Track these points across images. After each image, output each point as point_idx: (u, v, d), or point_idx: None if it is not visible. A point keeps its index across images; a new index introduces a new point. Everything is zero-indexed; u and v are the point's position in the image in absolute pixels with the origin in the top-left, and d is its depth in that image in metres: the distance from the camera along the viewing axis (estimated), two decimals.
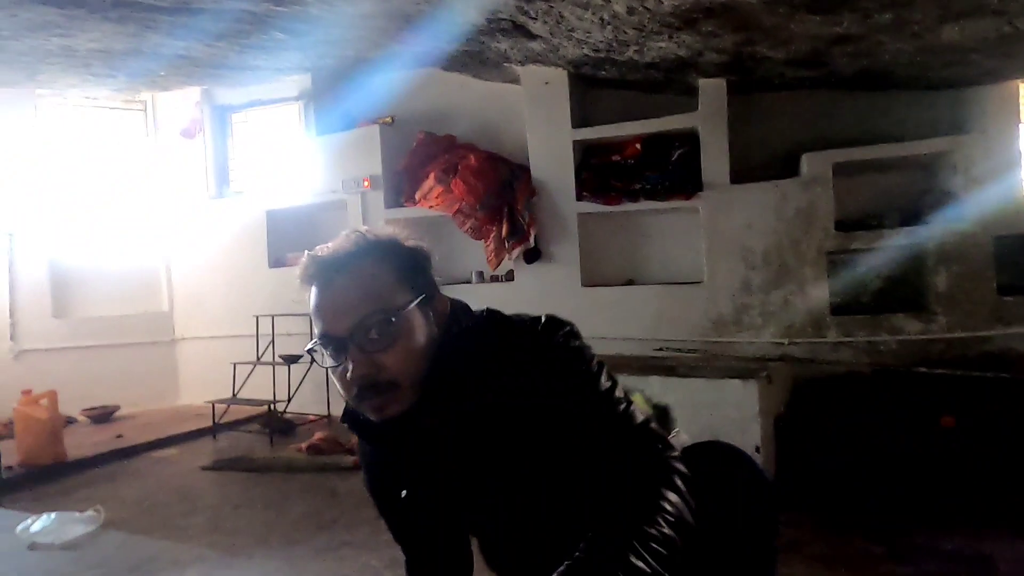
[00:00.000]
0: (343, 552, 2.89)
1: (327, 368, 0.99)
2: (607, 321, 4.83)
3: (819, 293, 4.41)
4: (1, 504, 3.80)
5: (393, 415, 0.97)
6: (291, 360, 5.27)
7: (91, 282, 6.41)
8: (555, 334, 1.01)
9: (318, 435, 4.47)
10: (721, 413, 3.28)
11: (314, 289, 0.99)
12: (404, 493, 1.12)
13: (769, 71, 4.20)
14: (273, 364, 5.32)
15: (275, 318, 5.62)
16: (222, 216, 6.35)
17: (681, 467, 0.96)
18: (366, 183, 5.54)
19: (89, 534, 3.24)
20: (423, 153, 5.49)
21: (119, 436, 5.14)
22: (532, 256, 5.05)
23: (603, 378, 1.00)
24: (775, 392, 3.66)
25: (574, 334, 1.03)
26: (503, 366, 0.99)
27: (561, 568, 0.85)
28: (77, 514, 3.34)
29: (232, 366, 5.48)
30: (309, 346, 1.00)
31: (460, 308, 1.08)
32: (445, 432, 1.02)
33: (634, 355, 4.68)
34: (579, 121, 4.99)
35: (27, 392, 4.38)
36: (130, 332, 6.44)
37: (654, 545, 0.85)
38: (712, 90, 4.53)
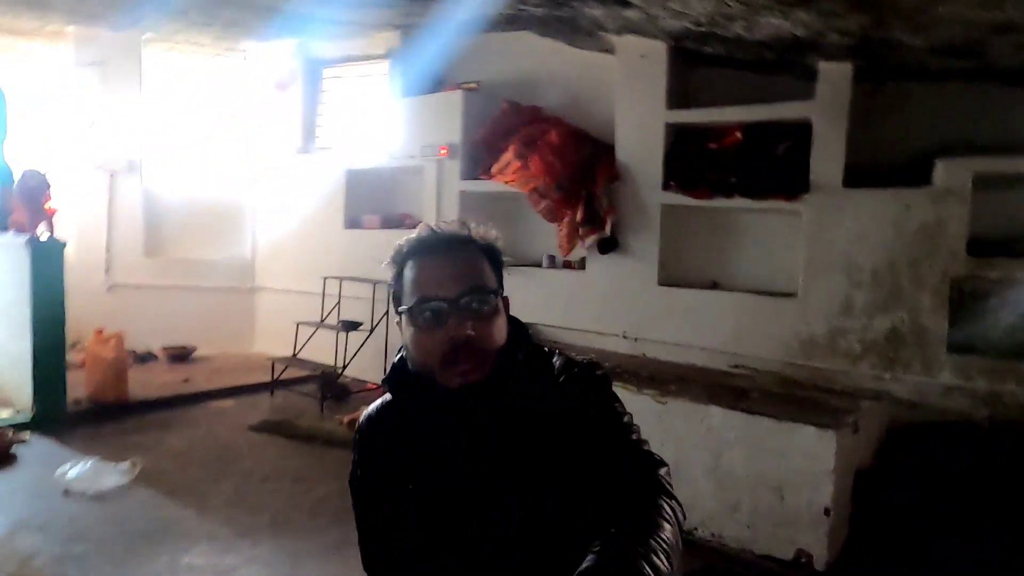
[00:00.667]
0: (349, 553, 2.74)
1: (421, 329, 1.04)
2: (681, 326, 4.39)
3: (936, 325, 3.75)
4: (61, 438, 3.97)
5: (477, 380, 1.02)
6: (350, 327, 5.20)
7: (182, 224, 6.63)
8: (601, 367, 1.14)
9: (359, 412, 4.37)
10: (788, 463, 2.83)
11: (423, 257, 1.06)
12: (414, 479, 1.09)
13: (907, 58, 3.51)
14: (337, 329, 5.26)
15: (343, 281, 5.56)
16: (305, 171, 6.35)
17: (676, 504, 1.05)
18: (442, 151, 5.29)
19: (120, 487, 3.29)
20: (505, 124, 5.16)
21: (186, 380, 5.31)
22: (607, 246, 4.64)
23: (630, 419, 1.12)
24: (861, 441, 3.15)
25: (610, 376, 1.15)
26: (558, 377, 1.11)
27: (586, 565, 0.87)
28: (113, 465, 3.40)
29: (295, 325, 5.50)
30: (406, 306, 1.05)
31: (517, 322, 1.15)
32: (491, 420, 1.05)
33: (705, 367, 4.23)
34: (675, 101, 4.47)
35: (99, 331, 4.55)
36: (214, 276, 6.63)
37: (662, 557, 0.90)
38: (834, 75, 3.88)
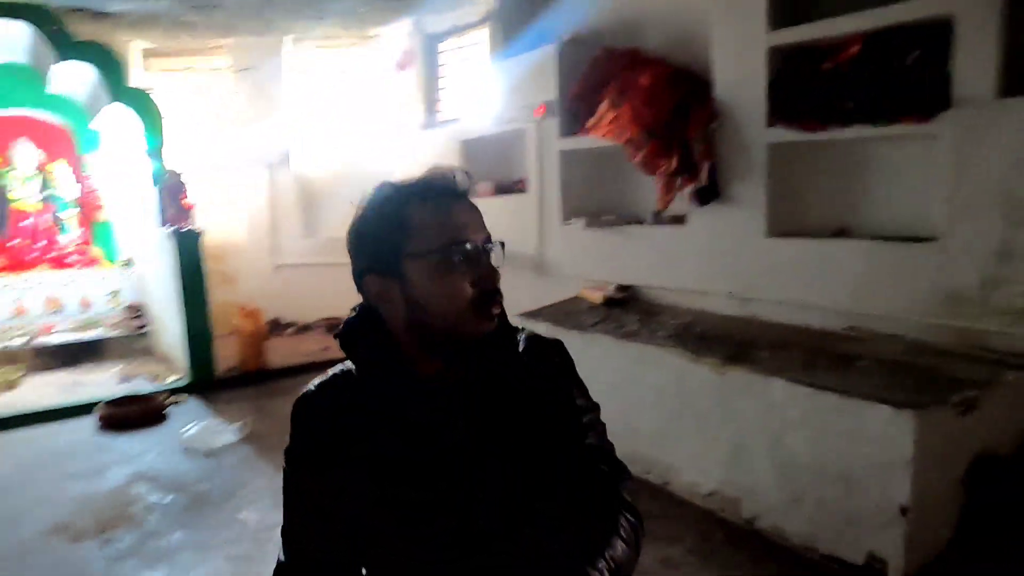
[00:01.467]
0: None
1: (452, 271, 0.98)
2: (795, 282, 3.79)
3: None
4: (209, 401, 4.63)
5: (496, 327, 1.03)
6: None
7: (333, 206, 7.26)
8: (564, 350, 1.18)
9: None
10: (857, 449, 2.33)
11: (445, 200, 1.01)
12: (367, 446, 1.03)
13: None
14: None
15: None
16: (429, 145, 6.55)
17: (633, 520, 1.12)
18: (539, 111, 5.10)
19: (229, 445, 3.74)
20: (601, 73, 4.81)
21: (325, 349, 5.87)
22: (705, 196, 4.14)
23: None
24: (983, 423, 2.48)
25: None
26: (542, 353, 1.12)
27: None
28: (227, 424, 3.88)
29: None
30: (430, 248, 0.98)
31: None
32: (470, 385, 1.04)
33: (822, 329, 3.61)
34: (778, 20, 3.80)
35: (242, 307, 5.19)
36: None
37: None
38: None
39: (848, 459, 2.36)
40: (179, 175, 4.98)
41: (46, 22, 4.80)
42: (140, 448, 3.81)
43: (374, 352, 1.04)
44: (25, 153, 6.05)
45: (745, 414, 2.75)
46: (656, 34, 4.71)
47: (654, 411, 3.22)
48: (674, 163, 4.20)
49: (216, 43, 6.66)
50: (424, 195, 1.02)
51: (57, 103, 5.99)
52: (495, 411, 1.04)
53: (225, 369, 5.02)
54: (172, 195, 4.84)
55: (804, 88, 3.72)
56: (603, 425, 1.17)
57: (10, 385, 4.97)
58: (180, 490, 3.21)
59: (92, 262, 6.25)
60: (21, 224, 5.97)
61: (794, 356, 3.08)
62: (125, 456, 3.66)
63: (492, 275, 1.01)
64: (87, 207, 6.40)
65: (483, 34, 5.87)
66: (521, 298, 5.28)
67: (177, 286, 4.79)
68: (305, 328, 6.78)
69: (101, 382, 5.14)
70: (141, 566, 2.61)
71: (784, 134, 3.79)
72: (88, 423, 4.27)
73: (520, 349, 1.11)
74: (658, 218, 4.64)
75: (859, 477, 2.32)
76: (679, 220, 4.49)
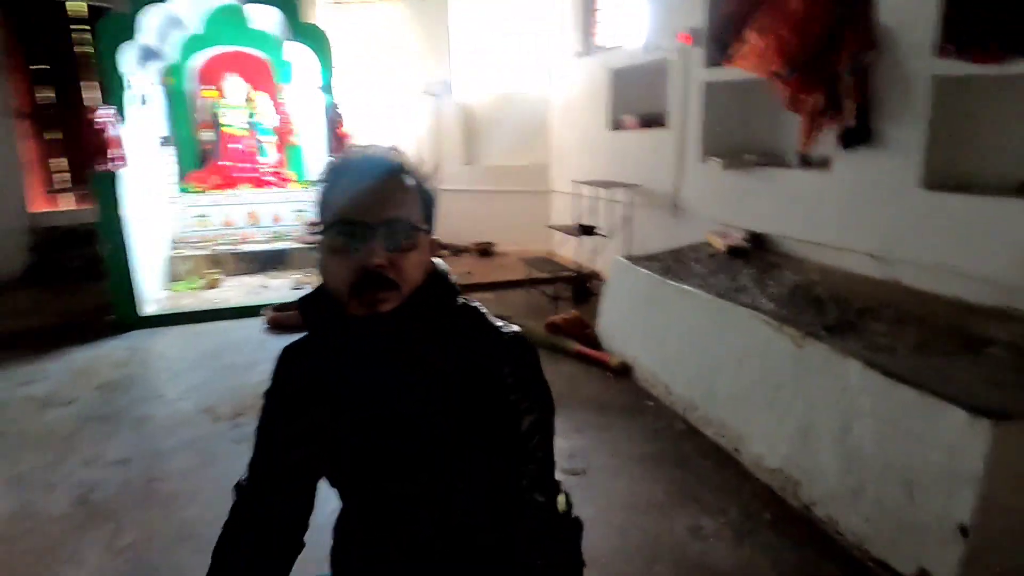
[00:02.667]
0: None
1: (334, 251, 1.02)
2: (949, 244, 3.23)
3: None
4: None
5: (383, 311, 1.01)
6: (586, 231, 5.29)
7: (492, 134, 7.47)
8: (518, 342, 1.12)
9: (563, 315, 4.52)
10: (924, 452, 2.05)
11: (348, 180, 1.04)
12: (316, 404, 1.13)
13: None
14: (575, 233, 5.42)
15: (599, 186, 5.61)
16: (583, 74, 6.38)
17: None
18: (684, 38, 4.71)
19: None
20: None
21: (468, 273, 6.22)
22: (853, 138, 3.61)
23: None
24: None
25: (531, 352, 1.13)
26: (479, 331, 1.11)
27: None
28: None
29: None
30: (322, 225, 1.04)
31: (444, 270, 1.14)
32: (397, 358, 1.07)
33: (979, 304, 3.06)
34: None
35: None
36: (518, 180, 7.37)
37: None
38: None
39: (914, 461, 2.07)
40: (337, 107, 5.46)
41: None
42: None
43: (319, 316, 1.08)
44: (234, 85, 6.99)
45: (818, 393, 2.50)
46: None
47: (734, 376, 3.04)
48: (820, 99, 3.70)
49: None
50: (340, 172, 1.05)
51: (259, 38, 6.76)
52: (432, 384, 1.06)
53: None
54: (331, 125, 5.33)
55: (987, 10, 3.02)
56: (548, 432, 1.12)
57: (212, 284, 6.01)
58: None
59: (285, 182, 7.15)
60: (230, 147, 6.99)
61: (913, 333, 2.70)
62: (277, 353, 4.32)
63: (370, 259, 0.98)
64: (282, 133, 7.28)
65: None
66: (653, 239, 5.11)
67: None
68: (460, 251, 7.21)
69: (280, 286, 6.01)
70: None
71: (956, 66, 3.14)
72: (260, 323, 5.06)
73: (479, 330, 1.10)
74: (802, 161, 4.15)
75: (923, 483, 2.04)
76: (824, 164, 3.97)
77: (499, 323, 1.14)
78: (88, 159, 4.91)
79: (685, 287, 3.54)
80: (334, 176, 1.06)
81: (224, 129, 6.95)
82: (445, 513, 1.13)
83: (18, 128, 6.87)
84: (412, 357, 1.07)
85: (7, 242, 6.70)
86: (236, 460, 1.65)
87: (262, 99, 7.13)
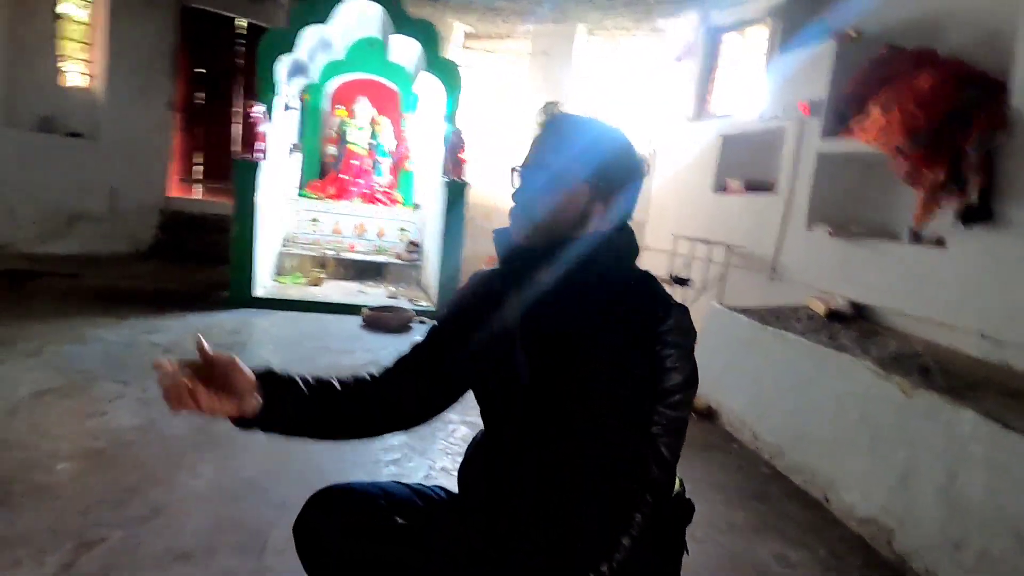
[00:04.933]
0: None
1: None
2: None
3: None
4: None
5: (516, 241, 1.21)
6: (679, 282, 5.37)
7: None
8: (686, 315, 1.21)
9: None
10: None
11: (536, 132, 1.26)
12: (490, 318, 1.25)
13: None
14: (669, 282, 5.51)
15: (695, 242, 5.71)
16: (694, 138, 6.59)
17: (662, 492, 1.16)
18: (804, 108, 4.85)
19: None
20: (880, 73, 4.41)
21: None
22: (974, 216, 3.61)
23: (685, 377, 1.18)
24: None
25: (692, 331, 1.21)
26: (650, 287, 1.24)
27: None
28: None
29: None
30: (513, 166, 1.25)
31: (629, 234, 1.28)
32: (545, 292, 1.18)
33: None
34: None
35: (491, 258, 5.90)
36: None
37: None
38: None
39: (1005, 496, 2.04)
40: (460, 132, 5.85)
41: (392, 3, 5.99)
42: (381, 344, 4.71)
43: (506, 247, 1.28)
44: (363, 108, 7.58)
45: (924, 441, 2.47)
46: (955, 34, 4.16)
47: (830, 422, 3.02)
48: (941, 175, 3.74)
49: (520, 29, 7.52)
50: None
51: (392, 70, 7.36)
52: (566, 326, 1.17)
53: None
54: (452, 149, 5.72)
55: None
56: (685, 407, 1.19)
57: (315, 282, 6.40)
58: None
59: (393, 202, 7.60)
60: (351, 162, 7.53)
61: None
62: (368, 346, 4.58)
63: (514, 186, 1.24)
64: (399, 158, 7.79)
65: (764, 30, 5.71)
66: (746, 297, 5.13)
67: (441, 228, 5.68)
68: None
69: (375, 294, 6.33)
70: None
71: None
72: (356, 320, 5.35)
73: (626, 284, 1.22)
74: (914, 236, 4.15)
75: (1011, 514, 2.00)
76: (939, 242, 3.96)
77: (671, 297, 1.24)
78: (241, 147, 5.44)
79: (786, 334, 3.57)
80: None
81: (349, 146, 7.51)
82: (554, 468, 1.15)
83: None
84: (581, 291, 1.18)
85: (147, 218, 7.38)
86: None
87: (385, 124, 7.68)
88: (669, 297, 1.22)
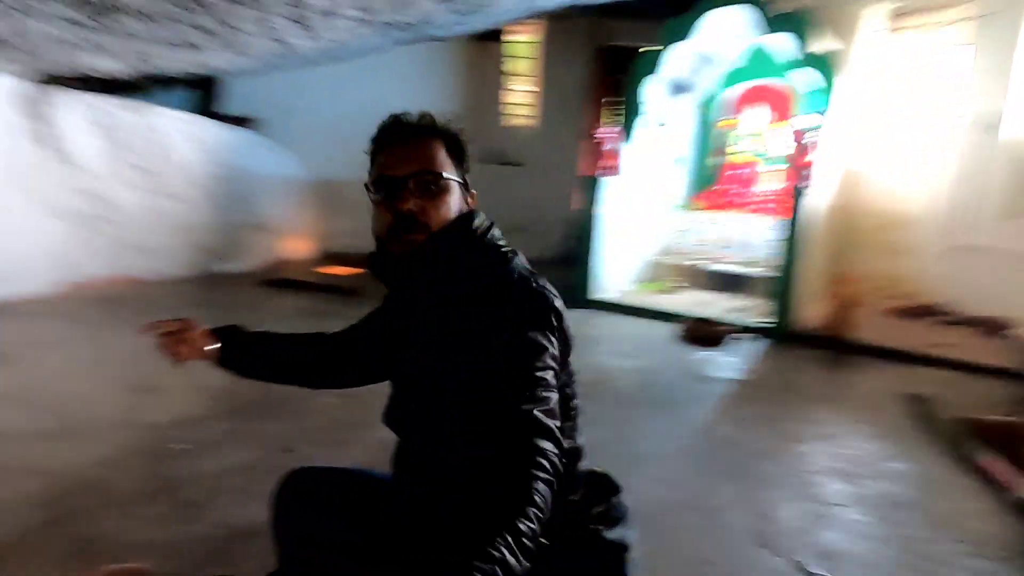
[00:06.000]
0: None
1: (375, 203, 1.24)
2: None
3: None
4: (775, 346, 4.95)
5: (414, 248, 1.21)
6: None
7: None
8: (548, 290, 1.22)
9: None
10: None
11: (385, 143, 1.25)
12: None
13: None
14: None
15: None
16: None
17: (555, 461, 1.03)
18: None
19: (723, 379, 4.14)
20: None
21: (953, 345, 4.96)
22: None
23: (551, 344, 1.17)
24: None
25: (557, 308, 1.22)
26: (496, 271, 1.23)
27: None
28: (739, 364, 4.25)
29: None
30: (367, 181, 1.25)
31: (489, 221, 1.32)
32: (423, 289, 1.26)
33: None
34: None
35: (846, 275, 5.09)
36: None
37: (524, 542, 0.92)
38: None
39: None
40: (806, 134, 5.15)
41: (758, 3, 5.69)
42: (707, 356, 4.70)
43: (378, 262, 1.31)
44: (752, 116, 7.25)
45: None
46: None
47: None
48: None
49: None
50: (379, 139, 1.27)
51: (781, 71, 6.84)
52: (446, 312, 1.22)
53: (807, 327, 5.11)
54: (799, 154, 5.12)
55: None
56: (532, 360, 1.11)
57: (669, 290, 6.55)
58: (650, 387, 3.96)
59: (783, 212, 7.07)
60: (731, 173, 7.33)
61: None
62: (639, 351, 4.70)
63: (402, 205, 1.19)
64: (798, 164, 7.16)
65: None
66: None
67: (783, 238, 5.18)
68: (966, 322, 5.77)
69: (721, 306, 6.06)
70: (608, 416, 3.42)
71: None
72: (674, 329, 5.35)
73: (501, 272, 1.22)
74: None
75: None
76: None
77: (541, 281, 1.21)
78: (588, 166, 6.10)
79: None
80: (375, 142, 1.26)
81: (731, 156, 7.35)
82: (434, 451, 1.22)
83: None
84: (432, 289, 1.24)
85: (556, 228, 8.78)
86: None
87: (778, 131, 7.19)
88: (522, 279, 1.22)
